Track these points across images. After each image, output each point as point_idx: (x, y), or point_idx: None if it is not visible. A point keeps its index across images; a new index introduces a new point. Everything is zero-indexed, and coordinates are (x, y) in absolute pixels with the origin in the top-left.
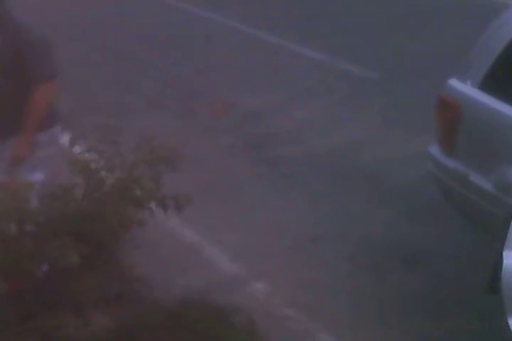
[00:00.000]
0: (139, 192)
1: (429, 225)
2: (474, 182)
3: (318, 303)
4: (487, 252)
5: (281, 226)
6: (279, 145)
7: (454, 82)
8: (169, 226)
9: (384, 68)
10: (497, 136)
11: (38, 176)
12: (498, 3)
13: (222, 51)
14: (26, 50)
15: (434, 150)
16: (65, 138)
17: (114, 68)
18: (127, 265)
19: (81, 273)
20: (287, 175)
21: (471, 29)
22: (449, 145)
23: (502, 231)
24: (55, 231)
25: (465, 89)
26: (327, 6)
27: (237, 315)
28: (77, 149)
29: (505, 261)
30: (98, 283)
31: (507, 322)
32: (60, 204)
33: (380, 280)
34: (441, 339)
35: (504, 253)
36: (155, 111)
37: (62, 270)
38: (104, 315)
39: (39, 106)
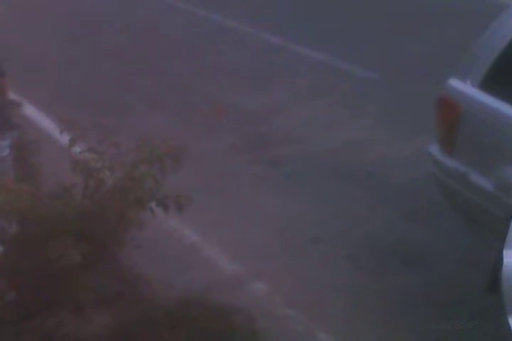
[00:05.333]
0: (140, 192)
1: (430, 225)
2: (474, 182)
3: (318, 303)
4: (487, 252)
5: (281, 226)
6: (279, 145)
7: (454, 82)
8: (169, 226)
9: (384, 68)
10: (497, 136)
11: None
12: (498, 3)
13: (222, 51)
14: None
15: (434, 150)
16: (64, 139)
17: (113, 68)
18: (127, 265)
19: (81, 273)
20: (287, 175)
21: (471, 29)
22: (449, 145)
23: (502, 231)
24: (55, 230)
25: (465, 88)
26: (327, 6)
27: (237, 315)
28: (77, 149)
29: (505, 260)
30: (98, 282)
31: (507, 322)
32: (60, 204)
33: (380, 280)
34: (441, 339)
35: (504, 252)
36: (155, 111)
37: (62, 270)
38: (104, 314)
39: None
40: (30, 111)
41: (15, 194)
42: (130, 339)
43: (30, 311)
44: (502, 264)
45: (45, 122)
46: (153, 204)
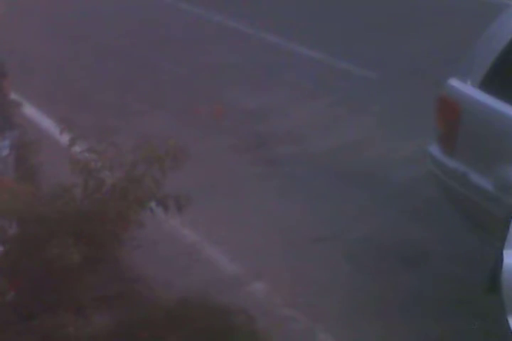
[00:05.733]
0: (140, 192)
1: (430, 225)
2: (474, 182)
3: (318, 303)
4: (487, 252)
5: (282, 226)
6: (279, 145)
7: (454, 82)
8: (169, 226)
9: (383, 68)
10: (497, 136)
11: None
12: (498, 3)
13: (222, 51)
14: None
15: (434, 149)
16: (64, 138)
17: (113, 68)
18: (127, 265)
19: (81, 273)
20: (287, 175)
21: (471, 29)
22: (449, 145)
23: (502, 231)
24: (56, 230)
25: (465, 88)
26: (327, 6)
27: (237, 315)
28: (77, 149)
29: (505, 260)
30: (98, 282)
31: (507, 321)
32: (60, 204)
33: (380, 280)
34: (441, 339)
35: (504, 252)
36: (155, 111)
37: (62, 270)
38: (104, 315)
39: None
40: (30, 111)
41: (15, 194)
42: (130, 339)
43: (30, 311)
44: (502, 264)
45: (45, 122)
46: (153, 204)
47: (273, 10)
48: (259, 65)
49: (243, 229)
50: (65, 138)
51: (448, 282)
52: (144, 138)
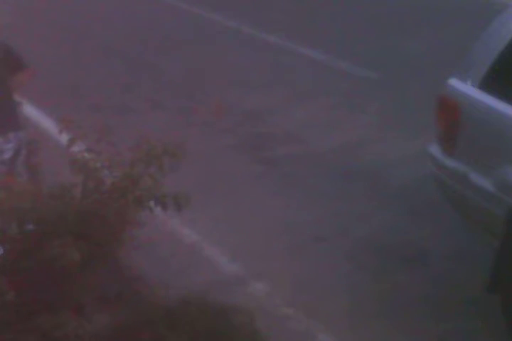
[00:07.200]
0: (138, 191)
1: (430, 225)
2: (474, 182)
3: (318, 303)
4: (487, 252)
5: (281, 226)
6: (279, 145)
7: (454, 82)
8: (169, 226)
9: (384, 68)
10: (497, 136)
11: None
12: (498, 3)
13: (223, 51)
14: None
15: (434, 150)
16: (64, 138)
17: (113, 68)
18: (127, 265)
19: (81, 273)
20: (287, 175)
21: (471, 29)
22: (449, 145)
23: (502, 231)
24: (55, 230)
25: (465, 88)
26: (327, 6)
27: (237, 315)
28: (75, 149)
29: None
30: (98, 282)
31: None
32: (59, 204)
33: (380, 280)
34: (441, 339)
35: None
36: (154, 111)
37: (62, 269)
38: (104, 315)
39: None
40: (30, 111)
41: (18, 194)
42: (130, 339)
43: (30, 311)
44: None
45: (46, 122)
46: (151, 204)
47: (273, 10)
48: (259, 65)
49: (243, 228)
50: (64, 138)
51: (448, 282)
52: (143, 138)
